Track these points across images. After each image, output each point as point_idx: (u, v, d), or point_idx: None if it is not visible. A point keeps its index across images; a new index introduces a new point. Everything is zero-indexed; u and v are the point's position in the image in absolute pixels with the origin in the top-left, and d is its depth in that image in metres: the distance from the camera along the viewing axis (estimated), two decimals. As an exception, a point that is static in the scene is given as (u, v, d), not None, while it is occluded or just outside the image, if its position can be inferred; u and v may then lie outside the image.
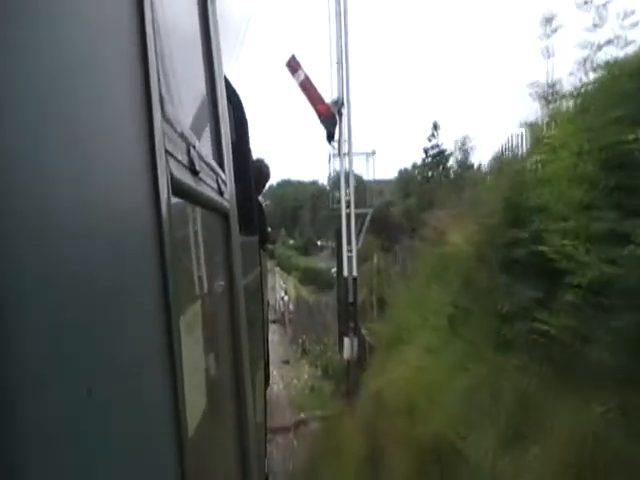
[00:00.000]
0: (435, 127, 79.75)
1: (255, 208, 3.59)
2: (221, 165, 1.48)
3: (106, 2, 0.58)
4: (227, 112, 1.83)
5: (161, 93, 0.72)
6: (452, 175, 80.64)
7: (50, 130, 0.41)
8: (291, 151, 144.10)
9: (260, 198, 4.93)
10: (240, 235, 1.88)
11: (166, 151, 0.72)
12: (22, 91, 0.37)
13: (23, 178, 0.36)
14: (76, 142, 0.46)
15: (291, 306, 25.17)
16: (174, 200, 0.75)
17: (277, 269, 61.68)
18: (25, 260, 0.36)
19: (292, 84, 12.08)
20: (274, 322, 20.65)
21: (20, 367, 0.34)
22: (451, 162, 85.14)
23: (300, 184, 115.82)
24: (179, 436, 0.69)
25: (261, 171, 4.60)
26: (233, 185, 1.74)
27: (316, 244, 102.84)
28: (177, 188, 0.77)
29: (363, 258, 16.09)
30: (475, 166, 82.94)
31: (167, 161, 0.72)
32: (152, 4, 0.71)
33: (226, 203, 1.46)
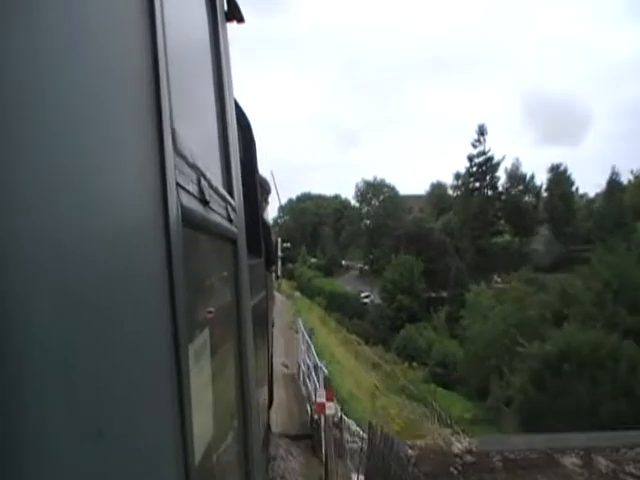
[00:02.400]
0: (481, 132, 70.67)
1: (261, 230, 3.64)
2: (230, 192, 1.51)
3: (118, 31, 0.58)
4: (237, 137, 1.87)
5: (173, 125, 0.74)
6: (501, 187, 70.24)
7: (61, 164, 0.41)
8: (311, 163, 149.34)
9: (267, 218, 5.67)
10: (249, 257, 1.94)
11: (177, 184, 0.74)
12: (36, 124, 0.38)
13: (36, 207, 0.37)
14: (87, 174, 0.46)
15: (332, 409, 8.65)
16: (184, 230, 0.77)
17: (297, 294, 52.82)
18: (36, 293, 0.36)
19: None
20: (294, 439, 9.56)
21: (32, 413, 0.34)
22: (499, 172, 72.63)
23: (321, 198, 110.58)
24: (186, 466, 0.71)
25: (262, 187, 4.50)
26: (242, 211, 1.77)
27: (341, 264, 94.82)
28: (187, 219, 0.79)
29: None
30: (528, 178, 72.26)
31: (178, 193, 0.74)
32: (164, 31, 0.72)
33: (235, 229, 1.49)
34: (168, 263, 0.67)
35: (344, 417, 11.68)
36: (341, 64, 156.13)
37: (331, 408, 8.17)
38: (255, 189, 3.54)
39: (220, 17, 1.62)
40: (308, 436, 9.79)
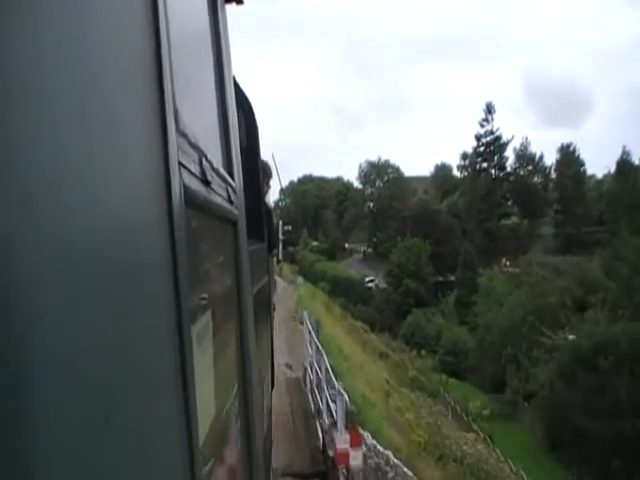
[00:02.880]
0: (489, 110, 67.85)
1: (264, 215, 3.60)
2: (231, 173, 1.51)
3: (121, 14, 0.59)
4: (237, 119, 1.88)
5: (175, 106, 0.75)
6: (510, 168, 67.54)
7: (65, 143, 0.42)
8: (312, 146, 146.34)
9: (269, 201, 5.62)
10: (249, 242, 1.93)
11: (179, 163, 0.75)
12: (39, 103, 0.39)
13: (40, 191, 0.37)
14: (91, 155, 0.47)
15: (358, 459, 5.87)
16: (187, 211, 0.77)
17: (300, 279, 50.51)
18: (40, 279, 0.36)
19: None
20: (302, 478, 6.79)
21: (38, 395, 0.35)
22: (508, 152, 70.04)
23: (323, 180, 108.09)
24: (191, 449, 0.73)
25: (264, 171, 4.43)
26: (242, 193, 1.78)
27: (344, 247, 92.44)
28: (190, 199, 0.80)
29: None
30: (537, 159, 69.50)
31: (180, 173, 0.75)
32: (166, 14, 0.73)
33: (235, 211, 1.50)
34: (171, 243, 0.67)
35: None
36: (343, 45, 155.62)
37: (357, 458, 5.47)
38: (258, 173, 3.55)
39: None
40: (320, 474, 7.33)
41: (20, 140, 0.36)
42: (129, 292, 0.54)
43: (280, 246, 61.12)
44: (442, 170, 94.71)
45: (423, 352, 41.99)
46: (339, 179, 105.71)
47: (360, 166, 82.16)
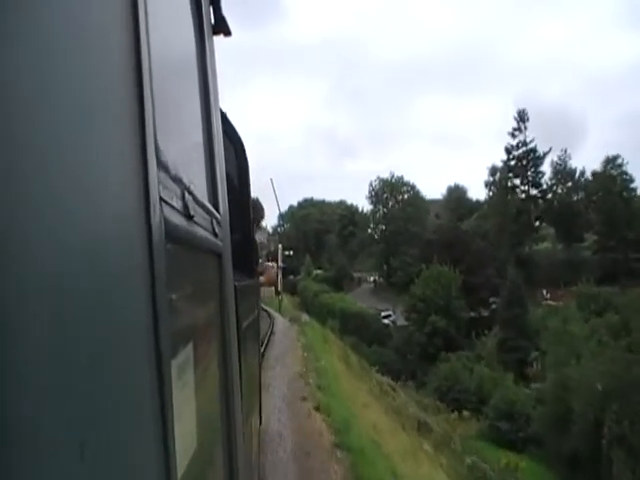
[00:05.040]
0: (521, 118, 58.59)
1: (256, 252, 4.02)
2: (216, 205, 1.52)
3: (102, 47, 0.59)
4: (223, 151, 1.88)
5: (156, 140, 0.75)
6: (546, 184, 57.72)
7: (44, 179, 0.42)
8: (307, 172, 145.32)
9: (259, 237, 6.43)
10: (239, 277, 2.05)
11: (161, 198, 0.75)
12: (23, 139, 0.39)
13: (19, 227, 0.38)
14: (70, 189, 0.47)
15: None
16: (168, 245, 0.77)
17: (305, 316, 40.53)
18: (23, 309, 0.37)
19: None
20: None
21: (15, 425, 0.35)
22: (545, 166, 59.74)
23: (325, 204, 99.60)
24: None
25: (255, 210, 4.68)
26: (227, 225, 1.76)
27: (352, 276, 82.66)
28: (171, 234, 0.80)
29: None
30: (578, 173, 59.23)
31: (161, 208, 0.75)
32: (148, 46, 0.72)
33: (220, 243, 1.50)
34: (151, 278, 0.67)
35: None
36: (335, 73, 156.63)
37: None
38: (248, 207, 3.59)
39: (207, 30, 1.64)
40: None
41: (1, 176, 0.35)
42: (108, 327, 0.54)
43: (279, 275, 49.49)
44: (456, 192, 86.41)
45: (465, 412, 32.23)
46: (342, 202, 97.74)
47: (371, 184, 73.05)
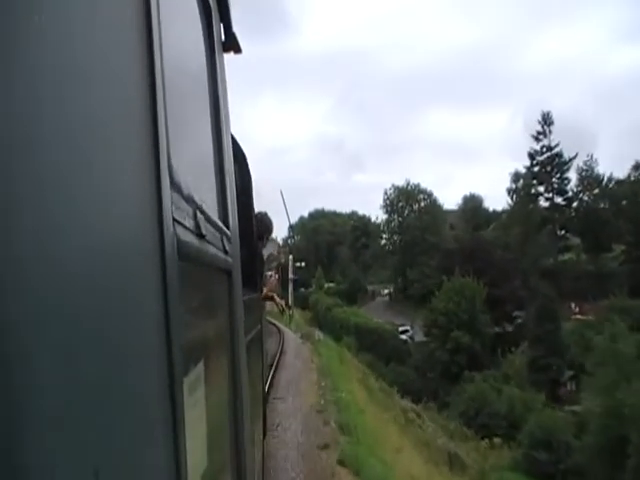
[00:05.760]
0: (545, 121, 55.56)
1: (259, 266, 3.98)
2: (226, 222, 1.54)
3: (116, 66, 0.59)
4: (233, 168, 1.90)
5: (170, 162, 0.76)
6: (572, 191, 54.53)
7: (52, 203, 0.42)
8: (321, 181, 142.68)
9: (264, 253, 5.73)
10: (244, 292, 1.99)
11: (174, 219, 0.77)
12: (36, 165, 0.39)
13: (29, 253, 0.37)
14: (86, 213, 0.48)
15: None
16: (181, 264, 0.79)
17: (318, 333, 37.58)
18: (31, 337, 0.37)
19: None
20: None
21: (29, 449, 0.35)
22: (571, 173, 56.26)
23: (336, 215, 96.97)
24: None
25: (264, 223, 4.92)
26: (237, 241, 1.80)
27: (366, 289, 79.42)
28: (183, 253, 0.82)
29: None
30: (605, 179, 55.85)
31: (175, 229, 0.77)
32: (162, 65, 0.73)
33: (230, 260, 1.51)
34: (164, 298, 0.68)
35: None
36: (343, 86, 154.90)
37: None
38: (251, 220, 3.67)
39: (217, 48, 1.66)
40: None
41: (8, 199, 0.36)
42: (121, 346, 0.54)
43: (290, 288, 45.98)
44: (471, 201, 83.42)
45: (496, 438, 29.09)
46: (354, 213, 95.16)
47: (385, 192, 70.08)
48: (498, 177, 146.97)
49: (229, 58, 1.97)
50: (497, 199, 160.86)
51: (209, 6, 1.47)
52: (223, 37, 1.84)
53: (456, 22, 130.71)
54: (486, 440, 28.87)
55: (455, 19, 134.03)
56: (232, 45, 1.94)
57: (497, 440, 29.29)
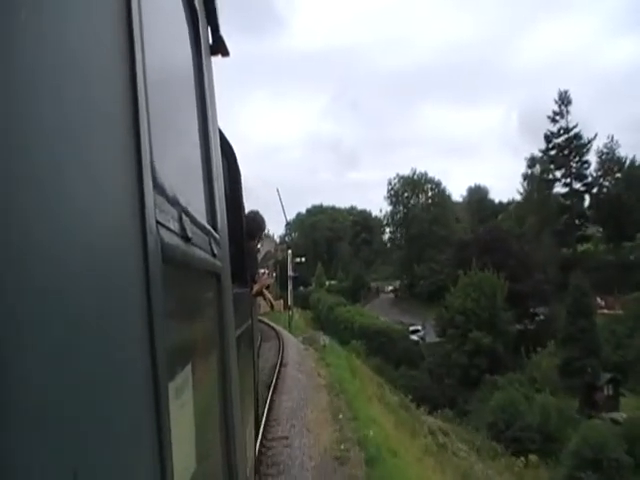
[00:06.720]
0: (563, 101, 51.07)
1: (248, 263, 3.91)
2: (214, 225, 1.52)
3: (97, 66, 0.59)
4: (221, 169, 1.89)
5: (153, 164, 0.75)
6: (591, 176, 50.41)
7: (39, 204, 0.42)
8: (317, 178, 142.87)
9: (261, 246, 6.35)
10: (232, 287, 1.97)
11: (157, 222, 0.76)
12: (18, 164, 0.40)
13: (16, 251, 0.38)
14: (66, 215, 0.47)
15: None
16: (165, 268, 0.78)
17: (324, 338, 33.18)
18: (13, 338, 0.37)
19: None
20: None
21: (6, 451, 0.35)
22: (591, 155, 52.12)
23: (335, 210, 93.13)
24: None
25: (256, 222, 4.92)
26: (227, 244, 1.79)
27: (369, 286, 75.09)
28: (168, 256, 0.81)
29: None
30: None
31: (158, 231, 0.76)
32: (144, 68, 0.73)
33: (219, 263, 1.50)
34: (147, 302, 0.68)
35: None
36: (338, 83, 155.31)
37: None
38: (241, 219, 3.65)
39: (205, 51, 1.65)
40: None
41: None
42: (106, 350, 0.54)
43: (290, 286, 41.13)
44: (477, 193, 79.58)
45: (532, 457, 25.04)
46: (353, 208, 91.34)
47: (389, 182, 65.95)
48: (498, 171, 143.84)
49: (225, 58, 2.01)
50: (498, 192, 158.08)
51: (195, 9, 1.47)
52: (210, 40, 1.84)
53: (450, 17, 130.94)
54: (521, 458, 24.84)
55: (449, 14, 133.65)
56: (220, 48, 1.95)
57: (532, 457, 25.33)
